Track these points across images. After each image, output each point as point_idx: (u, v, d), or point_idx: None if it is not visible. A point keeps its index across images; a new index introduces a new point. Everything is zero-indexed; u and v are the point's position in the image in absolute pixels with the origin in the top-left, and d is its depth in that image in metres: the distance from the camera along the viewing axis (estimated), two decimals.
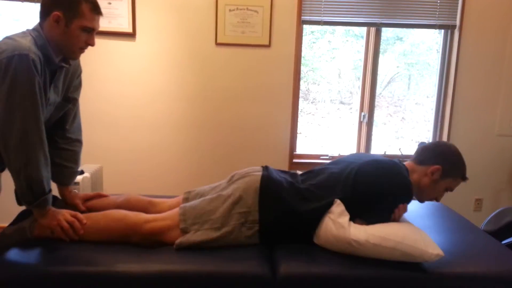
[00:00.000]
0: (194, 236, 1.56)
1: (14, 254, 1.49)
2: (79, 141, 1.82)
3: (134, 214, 1.62)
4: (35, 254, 1.49)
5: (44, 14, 1.51)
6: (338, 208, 1.59)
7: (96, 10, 1.53)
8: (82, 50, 1.56)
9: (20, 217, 1.67)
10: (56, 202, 1.78)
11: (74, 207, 1.77)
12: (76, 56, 1.58)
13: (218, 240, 1.56)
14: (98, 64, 2.98)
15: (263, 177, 1.65)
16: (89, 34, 1.53)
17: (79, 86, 1.78)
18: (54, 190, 1.77)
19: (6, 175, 1.59)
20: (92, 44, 1.55)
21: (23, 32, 1.52)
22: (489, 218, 2.50)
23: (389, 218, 1.62)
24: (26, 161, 1.44)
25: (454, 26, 3.11)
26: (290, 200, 1.61)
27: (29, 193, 1.48)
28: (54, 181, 1.78)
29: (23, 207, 1.64)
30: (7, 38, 1.48)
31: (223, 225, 1.57)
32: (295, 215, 1.60)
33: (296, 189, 1.65)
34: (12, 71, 1.39)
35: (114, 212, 1.63)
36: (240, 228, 1.58)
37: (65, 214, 1.57)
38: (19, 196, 1.51)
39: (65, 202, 1.81)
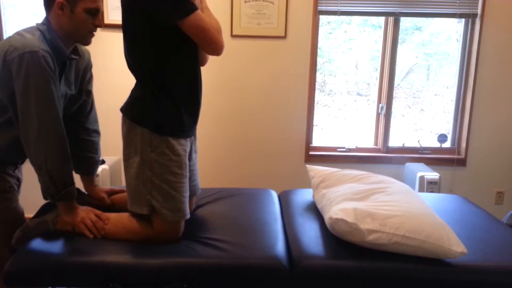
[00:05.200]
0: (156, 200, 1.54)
1: (36, 244, 1.52)
2: (96, 132, 1.85)
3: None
4: (56, 245, 1.52)
5: (47, 5, 1.52)
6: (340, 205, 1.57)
7: None
8: (91, 33, 1.57)
9: (43, 210, 1.70)
10: (79, 196, 1.79)
11: (98, 201, 1.81)
12: (88, 41, 1.59)
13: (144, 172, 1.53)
14: (116, 57, 3.01)
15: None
16: (95, 16, 1.54)
17: (91, 78, 1.81)
18: (79, 184, 1.80)
19: (28, 168, 1.62)
20: (101, 26, 1.56)
21: (31, 27, 1.53)
22: None
23: None
24: (46, 156, 1.48)
25: (475, 15, 3.03)
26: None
27: (52, 187, 1.51)
28: (77, 172, 1.81)
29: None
30: (17, 34, 1.49)
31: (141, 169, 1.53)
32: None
33: None
34: (25, 69, 1.42)
35: (128, 220, 1.63)
36: (149, 154, 1.52)
37: (90, 213, 1.60)
38: (43, 190, 1.54)
39: (89, 194, 1.85)
